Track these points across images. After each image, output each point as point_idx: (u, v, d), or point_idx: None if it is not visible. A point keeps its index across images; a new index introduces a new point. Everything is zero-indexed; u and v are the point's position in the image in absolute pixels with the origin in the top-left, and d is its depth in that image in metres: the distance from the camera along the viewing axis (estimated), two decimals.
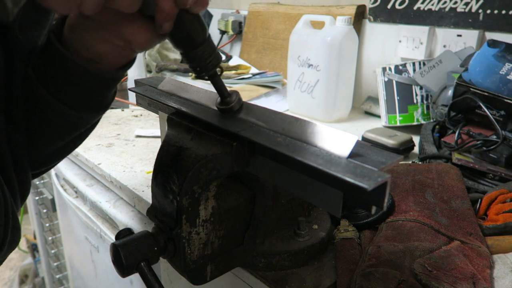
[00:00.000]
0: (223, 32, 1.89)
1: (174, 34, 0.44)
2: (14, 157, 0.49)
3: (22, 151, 0.50)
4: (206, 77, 0.49)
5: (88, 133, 0.57)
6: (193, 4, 0.41)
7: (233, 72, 1.55)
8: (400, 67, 1.18)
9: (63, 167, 1.12)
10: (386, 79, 1.19)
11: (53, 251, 1.58)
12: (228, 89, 0.51)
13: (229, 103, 0.51)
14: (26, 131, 0.50)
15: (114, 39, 0.43)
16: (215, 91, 0.52)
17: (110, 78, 0.48)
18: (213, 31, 1.91)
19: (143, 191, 0.80)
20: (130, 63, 0.50)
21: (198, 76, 0.49)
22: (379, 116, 1.23)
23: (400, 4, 1.25)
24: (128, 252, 0.47)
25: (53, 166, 0.61)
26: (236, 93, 0.52)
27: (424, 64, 1.15)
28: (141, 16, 0.42)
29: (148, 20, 0.42)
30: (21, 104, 0.50)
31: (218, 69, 0.49)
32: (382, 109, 1.19)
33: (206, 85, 1.46)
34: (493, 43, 0.94)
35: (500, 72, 0.89)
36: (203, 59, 0.46)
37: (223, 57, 1.74)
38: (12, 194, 0.48)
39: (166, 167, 0.50)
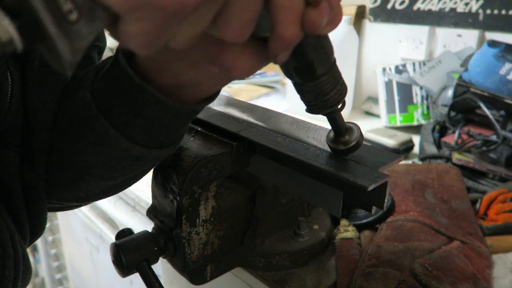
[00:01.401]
0: None
1: (289, 62, 0.33)
2: (27, 195, 0.44)
3: (37, 190, 0.45)
4: (324, 115, 0.38)
5: (150, 169, 0.48)
6: (327, 24, 0.29)
7: None
8: (400, 67, 1.18)
9: None
10: (386, 79, 1.19)
11: (53, 251, 1.58)
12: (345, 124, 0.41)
13: (347, 143, 0.40)
14: (82, 163, 0.42)
15: (209, 65, 0.33)
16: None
17: (190, 112, 0.38)
18: None
19: (143, 191, 0.80)
20: (216, 93, 0.39)
21: (311, 111, 0.38)
22: (379, 116, 1.23)
23: (400, 4, 1.25)
24: (128, 252, 0.47)
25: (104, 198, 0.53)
26: (356, 127, 0.41)
27: (424, 64, 1.15)
28: (248, 39, 0.31)
29: (255, 43, 0.30)
30: (43, 141, 0.43)
31: (340, 105, 0.38)
32: (382, 109, 1.19)
33: None
34: (493, 43, 0.94)
35: (500, 72, 0.89)
36: (323, 94, 0.35)
37: None
38: (21, 232, 0.45)
39: (166, 167, 0.50)
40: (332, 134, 0.41)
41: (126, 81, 0.35)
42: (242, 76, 0.33)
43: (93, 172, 0.42)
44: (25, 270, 0.43)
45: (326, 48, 0.33)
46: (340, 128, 0.40)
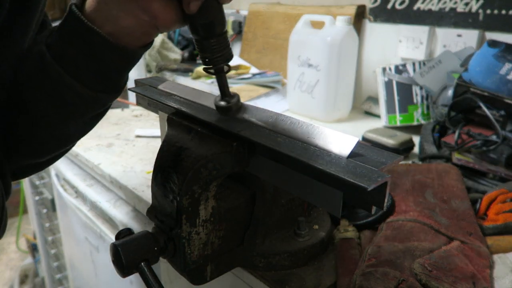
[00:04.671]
0: None
1: (197, 19, 0.45)
2: None
3: None
4: (212, 71, 0.49)
5: (98, 120, 0.56)
6: None
7: (233, 72, 1.55)
8: (400, 67, 1.18)
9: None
10: (386, 79, 1.19)
11: (53, 251, 1.58)
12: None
13: (228, 102, 0.51)
14: (36, 113, 0.49)
15: (140, 13, 0.43)
16: (216, 93, 0.53)
17: (131, 54, 0.48)
18: None
19: (143, 191, 0.80)
20: (148, 44, 0.49)
21: (205, 69, 0.49)
22: (379, 116, 1.23)
23: (400, 4, 1.25)
24: (128, 252, 0.47)
25: (60, 156, 0.60)
26: (237, 95, 0.52)
27: (424, 64, 1.15)
28: None
29: (177, 1, 0.44)
30: None
31: (226, 66, 0.49)
32: (382, 109, 1.19)
33: (206, 86, 1.46)
34: (493, 43, 0.94)
35: (500, 72, 0.89)
36: (216, 51, 0.47)
37: None
38: None
39: (166, 167, 0.50)
40: (219, 96, 0.52)
41: (79, 27, 0.44)
42: (165, 25, 0.45)
43: (48, 120, 0.49)
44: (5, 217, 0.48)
45: (223, 15, 0.46)
46: (224, 90, 0.51)
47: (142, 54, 0.49)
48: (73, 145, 0.59)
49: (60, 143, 0.55)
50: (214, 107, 0.56)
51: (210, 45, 0.47)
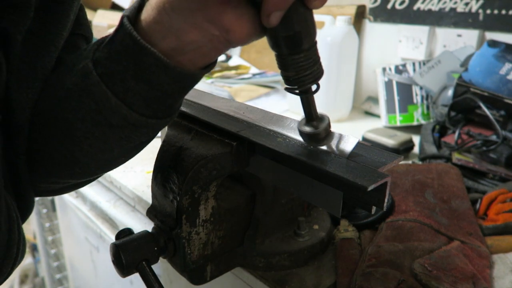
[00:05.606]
0: None
1: (279, 31, 0.36)
2: (14, 175, 0.45)
3: (18, 169, 0.45)
4: (297, 91, 0.40)
5: (145, 145, 0.48)
6: None
7: (233, 72, 1.54)
8: (400, 67, 1.18)
9: None
10: (386, 79, 1.19)
11: (53, 251, 1.58)
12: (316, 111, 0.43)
13: (316, 127, 0.42)
14: (78, 134, 0.43)
15: (210, 26, 0.36)
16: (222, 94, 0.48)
17: (190, 78, 0.40)
18: None
19: (143, 191, 0.80)
20: (213, 64, 0.41)
21: (288, 89, 0.40)
22: (379, 116, 1.23)
23: (400, 4, 1.25)
24: (128, 252, 0.47)
25: (97, 178, 0.54)
26: (326, 119, 0.43)
27: (424, 64, 1.15)
28: (247, 4, 0.35)
29: (254, 10, 0.35)
30: (22, 121, 0.44)
31: (315, 85, 0.40)
32: (382, 109, 1.19)
33: (203, 86, 1.46)
34: (493, 43, 0.94)
35: (500, 72, 0.89)
36: (303, 69, 0.38)
37: (223, 57, 1.74)
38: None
39: (166, 167, 0.50)
40: (304, 120, 0.43)
41: (131, 44, 0.37)
42: (239, 40, 0.37)
43: (91, 143, 0.43)
44: (23, 241, 0.44)
45: (312, 24, 0.36)
46: (311, 113, 0.42)
47: (201, 76, 0.41)
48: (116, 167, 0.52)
49: (103, 167, 0.49)
50: (215, 108, 0.56)
51: (295, 62, 0.37)
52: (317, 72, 0.39)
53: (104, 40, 0.40)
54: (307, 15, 0.36)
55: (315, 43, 0.38)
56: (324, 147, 0.43)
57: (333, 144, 0.44)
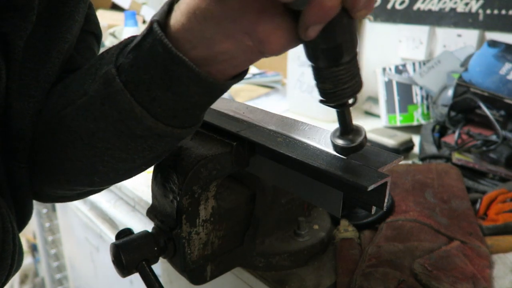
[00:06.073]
0: None
1: (318, 43, 0.32)
2: (13, 183, 0.44)
3: (18, 178, 0.45)
4: (333, 104, 0.37)
5: (167, 154, 0.46)
6: (363, 6, 0.31)
7: None
8: (400, 67, 1.18)
9: None
10: (386, 79, 1.19)
11: (53, 251, 1.58)
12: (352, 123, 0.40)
13: (352, 141, 0.40)
14: (98, 144, 0.41)
15: (244, 36, 0.33)
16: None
17: (220, 88, 0.37)
18: None
19: (143, 191, 0.80)
20: (244, 72, 0.39)
21: (323, 102, 0.37)
22: (379, 116, 1.23)
23: (400, 4, 1.25)
24: (128, 252, 0.47)
25: (114, 184, 0.52)
26: (363, 132, 0.40)
27: (424, 64, 1.15)
28: (285, 12, 0.32)
29: (291, 19, 0.32)
30: (23, 130, 0.42)
31: (352, 99, 0.37)
32: (382, 109, 1.19)
33: None
34: (493, 43, 0.94)
35: (500, 72, 0.89)
36: (342, 82, 0.35)
37: None
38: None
39: (166, 167, 0.50)
40: (338, 132, 0.41)
41: (161, 52, 0.34)
42: (274, 51, 0.34)
43: (113, 153, 0.41)
44: (19, 250, 0.43)
45: (354, 36, 0.33)
46: (347, 125, 0.39)
47: (230, 86, 0.39)
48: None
49: (123, 176, 0.47)
50: (214, 108, 0.56)
51: (333, 75, 0.34)
52: (356, 86, 0.36)
53: (128, 44, 0.38)
54: (350, 25, 0.32)
55: (356, 54, 0.35)
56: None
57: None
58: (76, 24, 0.46)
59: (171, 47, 0.34)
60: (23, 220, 0.48)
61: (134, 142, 0.40)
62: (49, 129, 0.43)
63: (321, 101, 0.37)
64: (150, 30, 0.35)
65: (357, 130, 0.40)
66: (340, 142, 0.40)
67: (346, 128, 0.40)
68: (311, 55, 0.34)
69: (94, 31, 0.52)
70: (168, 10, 0.35)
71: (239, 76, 0.38)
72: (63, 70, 0.46)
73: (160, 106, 0.37)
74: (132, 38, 0.38)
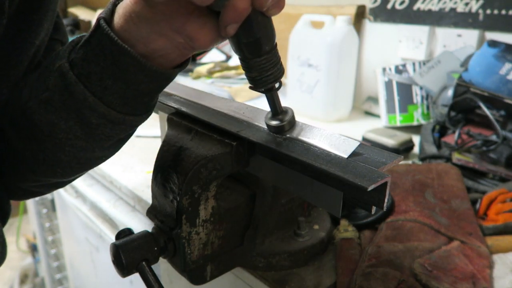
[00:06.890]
0: None
1: (240, 38, 0.39)
2: None
3: None
4: (262, 90, 0.44)
5: (126, 141, 0.50)
6: (271, 6, 0.37)
7: (233, 72, 1.54)
8: (400, 67, 1.18)
9: None
10: (386, 79, 1.19)
11: (53, 251, 1.58)
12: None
13: (281, 121, 0.46)
14: (59, 134, 0.44)
15: (175, 35, 0.38)
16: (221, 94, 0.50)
17: (164, 77, 0.42)
18: None
19: (143, 191, 0.80)
20: (185, 62, 0.44)
21: (253, 88, 0.44)
22: (379, 116, 1.23)
23: (400, 4, 1.25)
24: (128, 252, 0.47)
25: (79, 177, 0.56)
26: (290, 111, 0.47)
27: (424, 64, 1.15)
28: (209, 12, 0.38)
29: (215, 18, 0.38)
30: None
31: (277, 84, 0.44)
32: (382, 109, 1.19)
33: (198, 85, 1.46)
34: (493, 43, 0.94)
35: (500, 72, 0.89)
36: (265, 70, 0.41)
37: (223, 57, 1.74)
38: None
39: (166, 167, 0.50)
40: (269, 114, 0.47)
41: (109, 45, 0.39)
42: (203, 47, 0.39)
43: (74, 143, 0.45)
44: (2, 242, 0.45)
45: (271, 29, 0.39)
46: (276, 107, 0.46)
47: (175, 75, 0.44)
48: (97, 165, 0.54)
49: (84, 166, 0.51)
50: (215, 108, 0.56)
51: (257, 64, 0.41)
52: (278, 72, 0.42)
53: (79, 41, 0.42)
54: (266, 22, 0.38)
55: (275, 45, 0.41)
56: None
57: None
58: (44, 31, 0.50)
59: (117, 39, 0.39)
60: (1, 216, 0.50)
61: (91, 131, 0.44)
62: (13, 123, 0.47)
63: (250, 88, 0.44)
64: (97, 26, 0.40)
65: (286, 112, 0.47)
66: (272, 122, 0.46)
67: (276, 110, 0.46)
68: (236, 48, 0.40)
69: (61, 39, 0.56)
70: (112, 9, 0.40)
71: (181, 66, 0.43)
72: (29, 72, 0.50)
73: (111, 95, 0.41)
74: (82, 37, 0.42)
